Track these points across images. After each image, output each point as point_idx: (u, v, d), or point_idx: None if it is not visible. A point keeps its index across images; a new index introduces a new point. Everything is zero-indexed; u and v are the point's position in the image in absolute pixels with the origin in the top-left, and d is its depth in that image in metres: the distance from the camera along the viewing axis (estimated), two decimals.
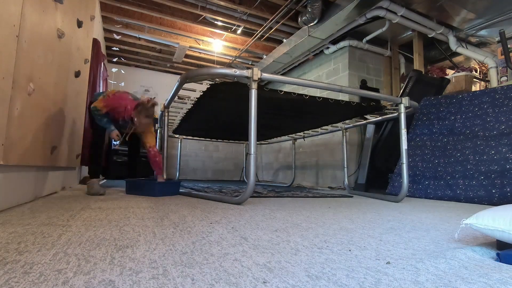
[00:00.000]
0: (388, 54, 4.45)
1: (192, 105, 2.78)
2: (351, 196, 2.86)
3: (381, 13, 3.38)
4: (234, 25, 4.42)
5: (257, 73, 1.82)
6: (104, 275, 0.57)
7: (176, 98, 2.62)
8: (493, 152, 2.56)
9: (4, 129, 1.25)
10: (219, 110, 2.97)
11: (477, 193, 2.49)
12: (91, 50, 3.15)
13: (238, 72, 1.85)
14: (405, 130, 2.40)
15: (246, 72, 1.84)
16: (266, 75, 1.91)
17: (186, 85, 2.33)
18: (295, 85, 2.29)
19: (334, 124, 3.61)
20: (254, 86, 1.83)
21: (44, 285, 0.51)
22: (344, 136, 3.56)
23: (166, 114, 2.95)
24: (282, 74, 5.45)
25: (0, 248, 0.72)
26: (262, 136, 4.68)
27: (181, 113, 3.47)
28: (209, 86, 2.19)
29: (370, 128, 3.75)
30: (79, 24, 2.41)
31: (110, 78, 5.30)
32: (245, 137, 4.87)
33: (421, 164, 3.04)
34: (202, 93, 2.38)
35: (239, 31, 4.56)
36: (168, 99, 2.74)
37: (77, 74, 2.46)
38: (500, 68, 3.58)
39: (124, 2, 3.90)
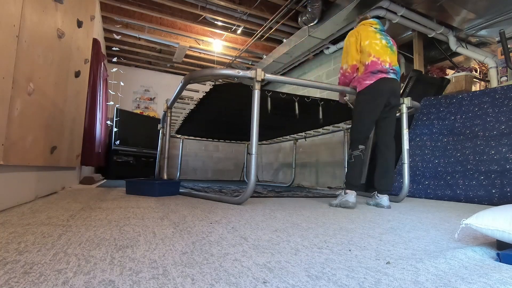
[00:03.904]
0: None
1: (195, 106, 2.77)
2: None
3: (381, 13, 3.38)
4: (234, 25, 4.42)
5: (260, 74, 1.82)
6: (104, 275, 0.57)
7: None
8: (493, 152, 2.56)
9: (4, 129, 1.25)
10: (221, 111, 2.96)
11: (477, 193, 2.49)
12: (91, 50, 3.14)
13: (241, 73, 1.84)
14: (407, 130, 2.40)
15: (249, 73, 1.84)
16: (269, 76, 1.90)
17: (188, 86, 2.33)
18: (298, 85, 2.30)
19: (336, 124, 3.61)
20: (257, 86, 1.82)
21: (44, 285, 0.51)
22: (346, 136, 3.55)
23: (169, 114, 2.95)
24: (282, 74, 5.45)
25: (0, 248, 0.72)
26: (263, 136, 4.67)
27: (184, 114, 3.47)
28: (212, 86, 2.18)
29: None
30: (79, 24, 2.41)
31: (110, 78, 5.30)
32: (246, 137, 4.87)
33: (421, 164, 3.04)
34: (205, 94, 2.38)
35: (239, 31, 4.56)
36: (171, 100, 2.74)
37: (77, 74, 2.46)
38: (500, 68, 3.58)
39: (124, 2, 3.90)
